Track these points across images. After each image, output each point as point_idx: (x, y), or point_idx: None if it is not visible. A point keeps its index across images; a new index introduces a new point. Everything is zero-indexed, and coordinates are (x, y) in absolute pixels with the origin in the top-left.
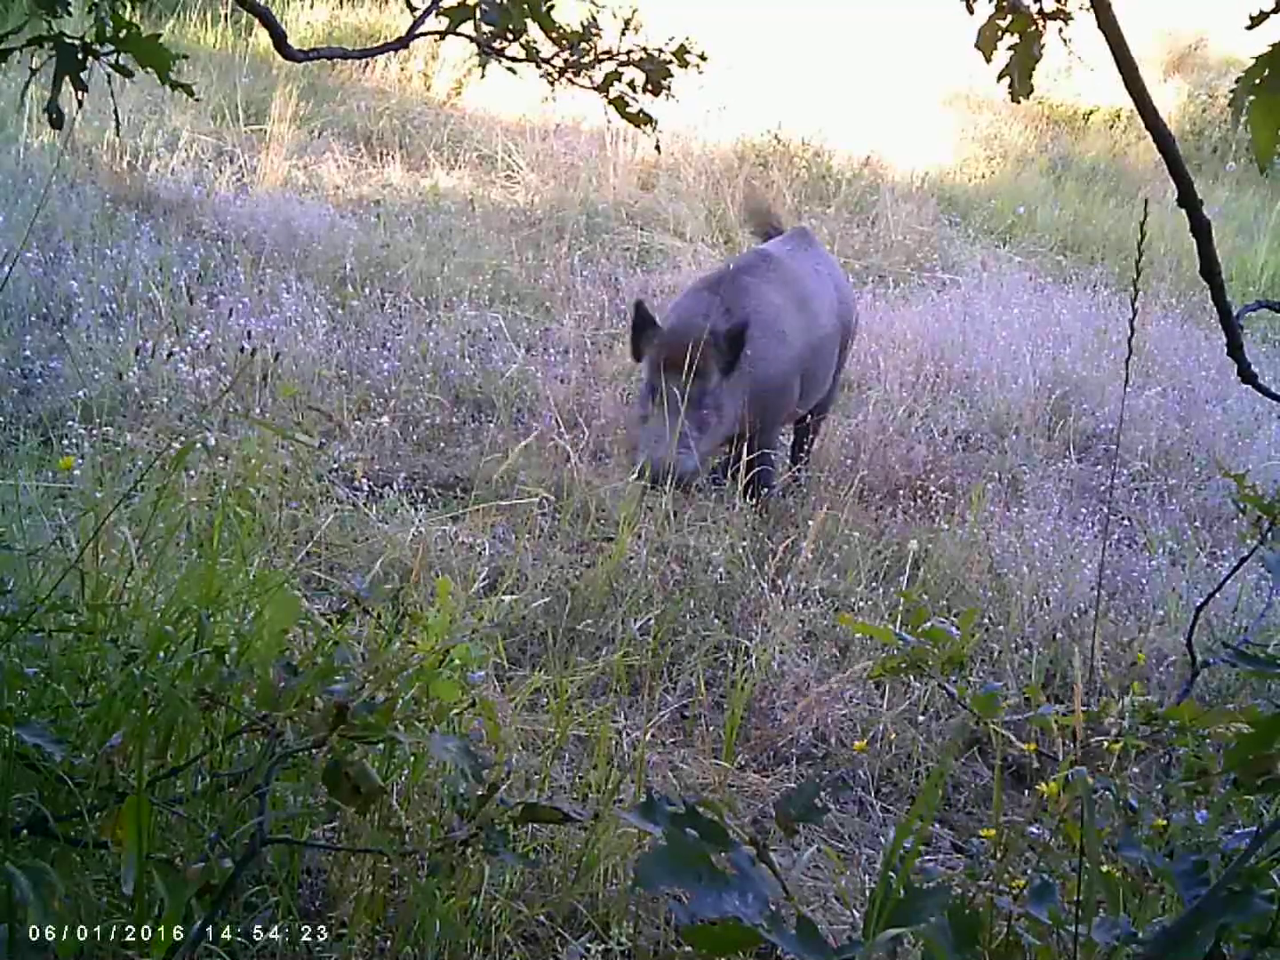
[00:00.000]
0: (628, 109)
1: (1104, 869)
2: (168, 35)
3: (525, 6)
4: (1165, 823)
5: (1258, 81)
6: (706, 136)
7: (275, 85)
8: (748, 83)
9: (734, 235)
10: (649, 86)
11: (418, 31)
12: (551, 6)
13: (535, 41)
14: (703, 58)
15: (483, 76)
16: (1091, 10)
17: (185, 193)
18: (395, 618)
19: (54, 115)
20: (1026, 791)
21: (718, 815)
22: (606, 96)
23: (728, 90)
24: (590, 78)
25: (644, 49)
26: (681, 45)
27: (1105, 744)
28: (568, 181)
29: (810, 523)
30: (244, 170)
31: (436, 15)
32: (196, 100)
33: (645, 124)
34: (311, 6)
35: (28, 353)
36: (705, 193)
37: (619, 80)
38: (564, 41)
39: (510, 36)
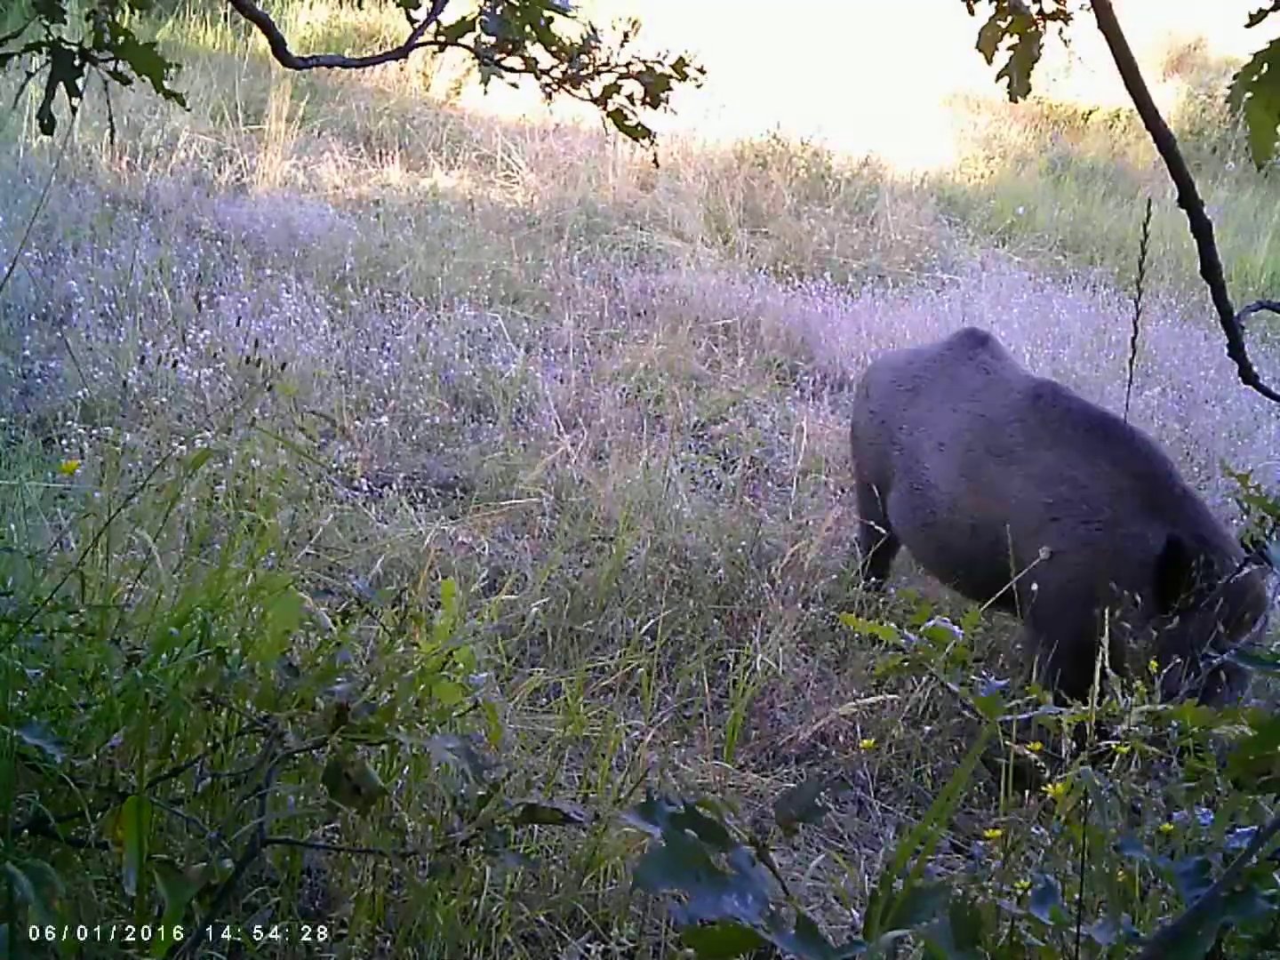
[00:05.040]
0: (626, 121)
1: (1107, 869)
2: (167, 36)
3: (525, 21)
4: (1170, 825)
5: (1255, 78)
6: (706, 136)
7: (274, 85)
8: (747, 82)
9: (732, 235)
10: (647, 99)
11: (416, 42)
12: (551, 20)
13: (534, 58)
14: (701, 71)
15: (485, 92)
16: (1091, 10)
17: (185, 193)
18: (399, 619)
19: (45, 121)
20: (1026, 791)
21: (717, 815)
22: (605, 109)
23: (727, 90)
24: (589, 90)
25: (644, 61)
26: (680, 58)
27: (1108, 745)
28: (567, 181)
29: (812, 522)
30: (243, 170)
31: (435, 34)
32: (187, 110)
33: (643, 137)
34: (311, 7)
35: (28, 353)
36: (704, 193)
37: (618, 93)
38: (563, 54)
39: (510, 48)
